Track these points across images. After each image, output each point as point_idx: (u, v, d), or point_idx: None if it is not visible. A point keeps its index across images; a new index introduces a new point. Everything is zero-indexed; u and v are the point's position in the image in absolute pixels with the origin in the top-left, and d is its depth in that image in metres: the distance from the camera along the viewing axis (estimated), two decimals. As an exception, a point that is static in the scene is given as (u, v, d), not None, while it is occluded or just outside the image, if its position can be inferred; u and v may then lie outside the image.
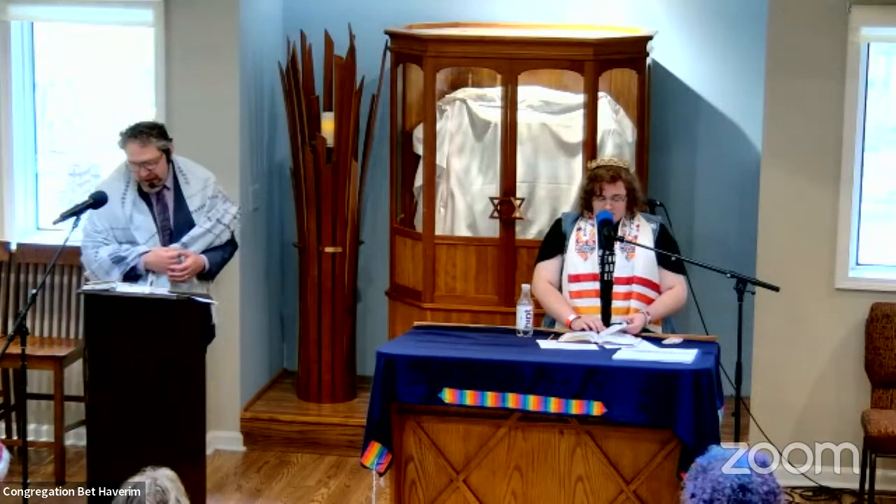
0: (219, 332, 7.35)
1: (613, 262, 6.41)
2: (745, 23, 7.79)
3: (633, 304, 6.37)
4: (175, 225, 6.68)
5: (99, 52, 7.95)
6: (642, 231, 6.46)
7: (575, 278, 6.43)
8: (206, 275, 6.71)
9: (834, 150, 7.11)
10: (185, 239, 6.64)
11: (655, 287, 6.42)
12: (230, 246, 6.85)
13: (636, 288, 6.38)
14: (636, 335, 6.22)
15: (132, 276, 6.57)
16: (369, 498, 6.77)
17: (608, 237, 6.39)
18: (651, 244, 6.42)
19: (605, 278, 6.42)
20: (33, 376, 7.44)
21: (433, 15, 7.98)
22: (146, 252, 6.57)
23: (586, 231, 6.46)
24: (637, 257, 6.41)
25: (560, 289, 6.46)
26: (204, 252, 6.68)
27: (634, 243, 6.40)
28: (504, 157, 7.45)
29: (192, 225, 6.69)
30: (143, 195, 6.66)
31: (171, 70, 7.57)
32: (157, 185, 6.64)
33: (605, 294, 6.41)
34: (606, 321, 6.36)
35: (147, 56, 7.67)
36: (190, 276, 6.61)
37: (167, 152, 6.66)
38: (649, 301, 6.40)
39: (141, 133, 6.57)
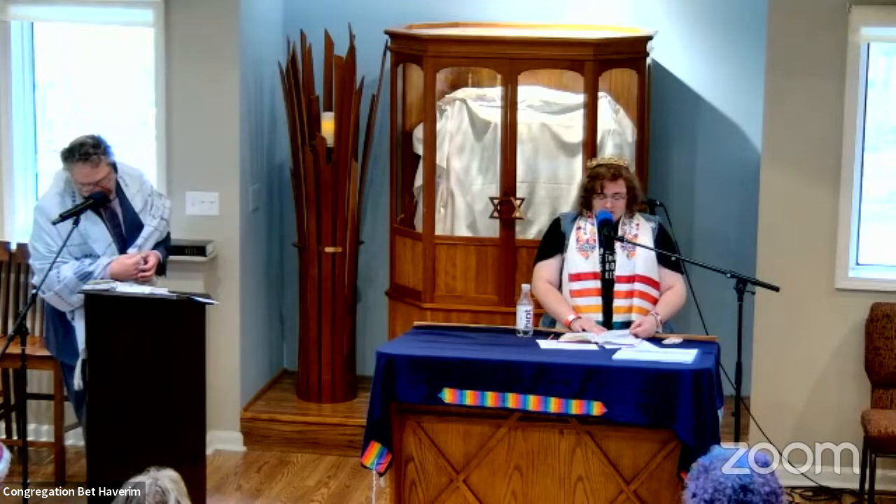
0: (219, 332, 7.37)
1: (614, 261, 6.41)
2: (744, 23, 7.79)
3: (636, 302, 6.37)
4: (126, 229, 6.64)
5: (99, 52, 7.95)
6: (642, 230, 6.46)
7: (576, 277, 6.42)
8: (160, 269, 6.70)
9: (834, 150, 7.11)
10: (139, 242, 6.61)
11: (657, 285, 6.42)
12: (168, 239, 6.85)
13: (638, 286, 6.38)
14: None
15: None
16: (369, 498, 6.77)
17: (608, 237, 6.39)
18: (651, 243, 6.42)
19: (607, 277, 6.42)
20: (33, 376, 7.43)
21: (433, 15, 7.98)
22: (110, 262, 6.51)
23: (586, 230, 6.46)
24: (638, 256, 6.41)
25: (560, 288, 6.47)
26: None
27: (634, 243, 6.40)
28: (504, 157, 7.45)
29: (140, 225, 6.64)
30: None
31: (171, 70, 7.57)
32: (111, 198, 6.56)
33: (607, 292, 6.41)
34: (608, 319, 6.36)
35: (147, 56, 7.66)
36: (152, 275, 6.61)
37: (113, 164, 6.56)
38: (651, 299, 6.39)
39: (90, 154, 6.40)
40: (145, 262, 6.55)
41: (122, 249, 6.58)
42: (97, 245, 6.53)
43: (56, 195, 6.56)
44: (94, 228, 6.54)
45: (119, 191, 6.62)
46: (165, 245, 6.80)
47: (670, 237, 6.60)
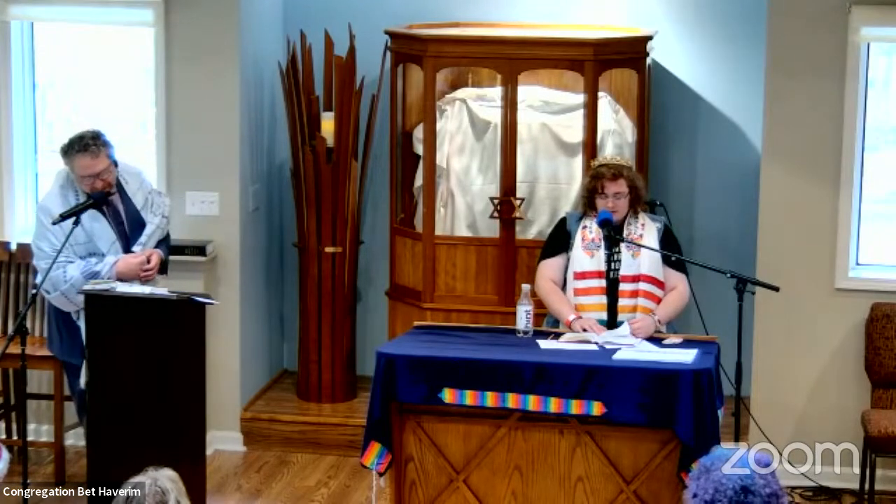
0: (219, 332, 7.37)
1: (619, 260, 6.41)
2: (744, 23, 7.79)
3: (641, 301, 6.37)
4: (129, 227, 6.64)
5: (99, 52, 7.95)
6: (647, 230, 6.46)
7: (581, 275, 6.42)
8: (162, 268, 6.70)
9: (834, 150, 7.11)
10: (142, 240, 6.62)
11: (661, 285, 6.42)
12: (168, 237, 6.86)
13: (643, 286, 6.38)
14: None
15: None
16: (369, 498, 6.77)
17: (609, 237, 6.39)
18: (656, 243, 6.42)
19: (611, 276, 6.42)
20: (33, 376, 7.43)
21: (433, 15, 7.98)
22: (116, 261, 6.51)
23: (592, 229, 6.46)
24: (643, 256, 6.41)
25: (564, 286, 6.47)
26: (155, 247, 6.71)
27: (636, 243, 6.40)
28: (504, 157, 7.45)
29: (141, 223, 6.65)
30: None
31: (171, 70, 7.57)
32: (112, 194, 6.55)
33: (612, 292, 6.41)
34: (612, 318, 6.36)
35: (147, 56, 7.67)
36: (155, 274, 6.62)
37: (113, 158, 6.55)
38: (656, 299, 6.39)
39: (89, 146, 6.42)
40: (148, 262, 6.56)
41: (126, 247, 6.59)
42: (101, 243, 6.53)
43: (58, 194, 6.56)
44: (98, 226, 6.54)
45: (120, 188, 6.62)
46: (167, 243, 6.82)
47: (676, 238, 6.60)
